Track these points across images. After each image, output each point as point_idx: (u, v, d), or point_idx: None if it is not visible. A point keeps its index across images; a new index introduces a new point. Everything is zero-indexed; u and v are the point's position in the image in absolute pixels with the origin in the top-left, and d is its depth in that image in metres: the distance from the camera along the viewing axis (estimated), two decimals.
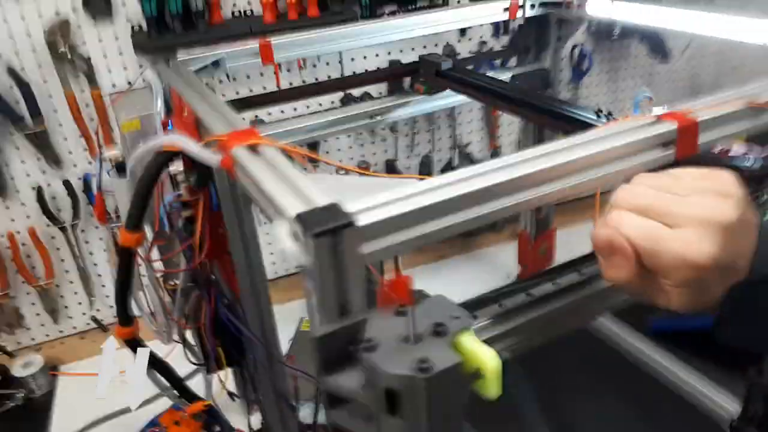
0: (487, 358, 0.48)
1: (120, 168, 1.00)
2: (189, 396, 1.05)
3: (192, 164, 0.82)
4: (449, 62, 1.38)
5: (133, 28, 1.51)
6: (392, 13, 1.73)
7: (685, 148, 0.65)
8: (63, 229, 1.67)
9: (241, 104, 1.34)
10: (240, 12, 1.59)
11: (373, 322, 0.52)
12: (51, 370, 1.79)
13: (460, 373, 0.47)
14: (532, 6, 1.50)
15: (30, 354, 1.77)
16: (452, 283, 2.00)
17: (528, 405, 1.50)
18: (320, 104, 1.73)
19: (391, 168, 1.97)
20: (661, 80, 2.31)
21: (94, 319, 1.85)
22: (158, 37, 1.46)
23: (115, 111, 1.05)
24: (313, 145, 1.82)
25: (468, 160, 2.08)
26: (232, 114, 0.77)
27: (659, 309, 1.58)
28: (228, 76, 1.68)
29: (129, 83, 1.37)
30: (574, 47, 2.05)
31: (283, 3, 1.57)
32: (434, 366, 0.45)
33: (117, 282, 0.82)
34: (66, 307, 1.82)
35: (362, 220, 0.50)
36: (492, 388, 0.48)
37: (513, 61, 1.75)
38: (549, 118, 1.08)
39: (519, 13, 1.49)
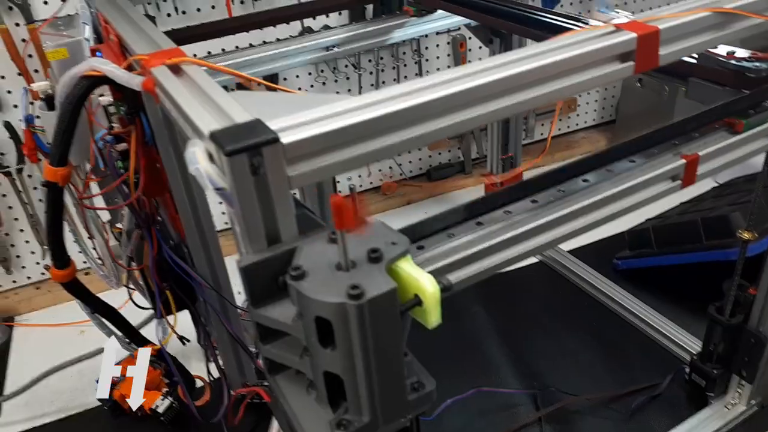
0: (426, 284, 0.44)
1: (50, 101, 0.93)
2: (139, 341, 1.01)
3: (121, 93, 0.76)
4: None
5: None
6: None
7: (645, 61, 0.61)
8: (8, 174, 1.59)
9: (187, 35, 1.26)
10: None
11: (305, 249, 0.48)
12: (5, 321, 1.74)
13: (396, 299, 0.43)
14: None
15: None
16: None
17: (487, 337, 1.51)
18: (277, 38, 1.65)
19: None
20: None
21: (49, 268, 1.78)
22: None
23: (42, 40, 0.97)
24: (272, 82, 1.74)
25: None
26: (157, 33, 0.71)
27: (622, 250, 1.56)
28: (176, 9, 1.58)
29: (69, 15, 1.28)
30: None
31: None
32: (366, 292, 0.42)
33: (46, 221, 0.77)
34: (18, 256, 1.75)
35: (287, 138, 0.46)
36: (431, 316, 0.45)
37: None
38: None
39: None
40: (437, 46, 1.96)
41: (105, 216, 1.06)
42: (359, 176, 2.07)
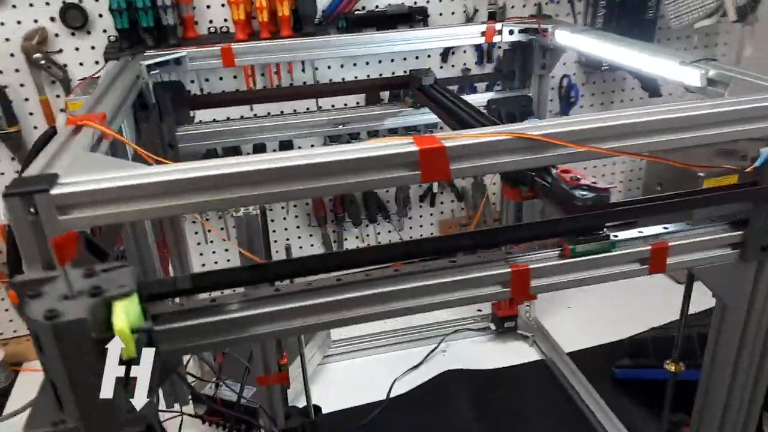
0: (116, 322, 0.60)
1: None
2: None
3: None
4: (431, 78, 1.54)
5: (109, 39, 1.77)
6: None
7: (432, 172, 0.75)
8: None
9: (203, 101, 1.67)
10: (216, 29, 1.83)
11: (65, 277, 0.66)
12: (12, 365, 2.02)
13: (86, 327, 0.59)
14: (510, 32, 1.66)
15: None
16: None
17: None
18: (294, 110, 1.87)
19: None
20: None
21: None
22: (130, 48, 1.68)
23: (75, 93, 1.36)
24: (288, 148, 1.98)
25: None
26: (105, 102, 1.03)
27: (621, 358, 1.67)
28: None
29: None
30: (563, 78, 2.15)
31: (256, 23, 1.79)
32: (61, 316, 0.59)
33: None
34: None
35: (56, 190, 0.66)
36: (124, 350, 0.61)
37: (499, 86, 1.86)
38: None
39: (496, 38, 1.65)
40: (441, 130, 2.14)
41: None
42: None
